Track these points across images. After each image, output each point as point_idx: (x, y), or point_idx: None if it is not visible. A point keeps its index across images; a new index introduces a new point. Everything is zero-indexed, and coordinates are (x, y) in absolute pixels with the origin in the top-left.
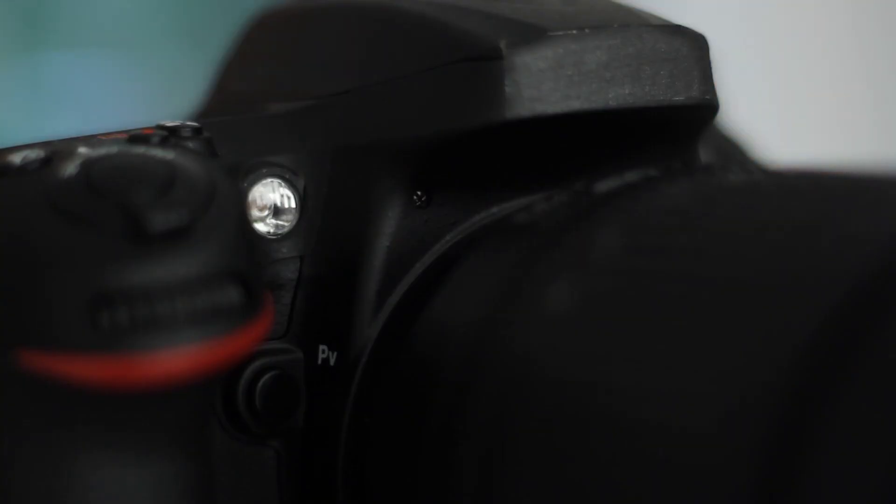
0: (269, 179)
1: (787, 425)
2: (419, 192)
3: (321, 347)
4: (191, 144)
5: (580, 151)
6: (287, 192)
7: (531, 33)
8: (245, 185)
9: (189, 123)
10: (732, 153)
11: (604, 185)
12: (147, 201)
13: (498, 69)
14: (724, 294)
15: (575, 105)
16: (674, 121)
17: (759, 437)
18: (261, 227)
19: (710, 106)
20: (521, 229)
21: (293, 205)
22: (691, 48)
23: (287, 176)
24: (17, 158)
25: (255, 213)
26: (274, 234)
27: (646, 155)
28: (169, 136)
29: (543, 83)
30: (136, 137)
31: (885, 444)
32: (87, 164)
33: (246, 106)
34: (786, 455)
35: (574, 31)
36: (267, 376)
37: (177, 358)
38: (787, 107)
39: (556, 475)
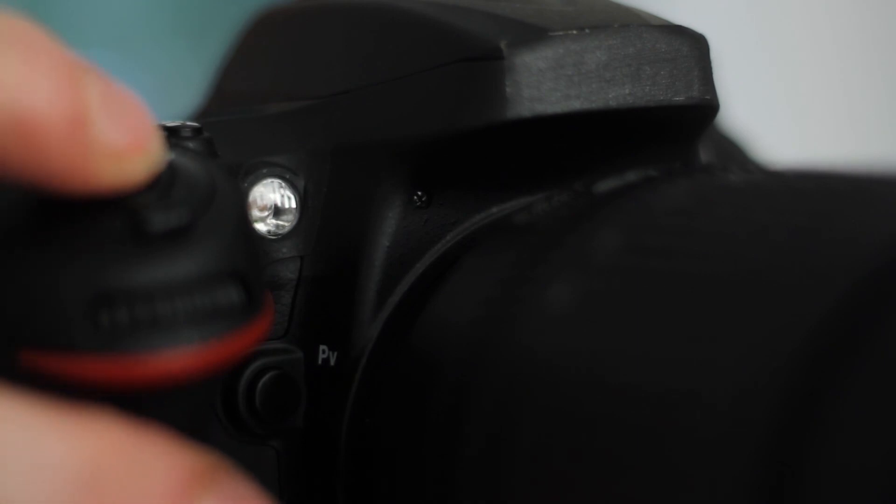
0: (270, 179)
1: (790, 419)
2: (419, 192)
3: (321, 347)
4: (191, 144)
5: (580, 151)
6: (287, 192)
7: (531, 33)
8: (245, 185)
9: (189, 123)
10: (732, 153)
11: (604, 185)
12: (147, 201)
13: (498, 69)
14: (726, 291)
15: (575, 105)
16: (674, 121)
17: (760, 439)
18: (261, 227)
19: (710, 106)
20: (521, 229)
21: (293, 205)
22: (691, 48)
23: (287, 176)
24: None
25: (255, 213)
26: (274, 234)
27: (646, 155)
28: (169, 136)
29: (543, 83)
30: None
31: (884, 429)
32: None
33: (246, 106)
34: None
35: (574, 31)
36: (267, 376)
37: (177, 358)
38: (787, 107)
39: (559, 473)
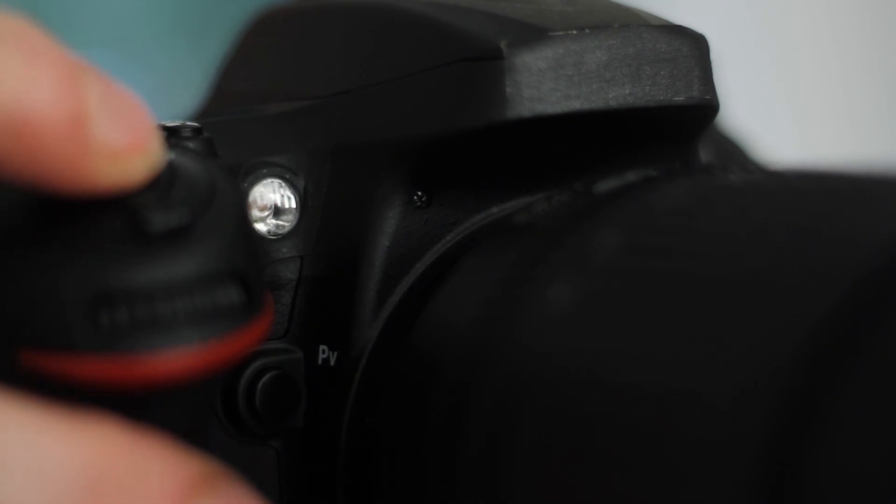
0: (270, 179)
1: (790, 419)
2: (419, 192)
3: (321, 347)
4: (191, 144)
5: (580, 151)
6: (287, 192)
7: (531, 33)
8: (245, 185)
9: (189, 123)
10: (732, 153)
11: (604, 186)
12: (147, 201)
13: (498, 69)
14: (726, 291)
15: (575, 105)
16: (674, 121)
17: (760, 439)
18: (261, 227)
19: (710, 106)
20: (521, 229)
21: (293, 205)
22: (691, 48)
23: (287, 176)
24: None
25: (255, 213)
26: (274, 234)
27: (646, 155)
28: (169, 136)
29: (543, 83)
30: None
31: (884, 429)
32: None
33: (246, 106)
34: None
35: (574, 32)
36: (267, 376)
37: (177, 358)
38: (787, 107)
39: (559, 473)
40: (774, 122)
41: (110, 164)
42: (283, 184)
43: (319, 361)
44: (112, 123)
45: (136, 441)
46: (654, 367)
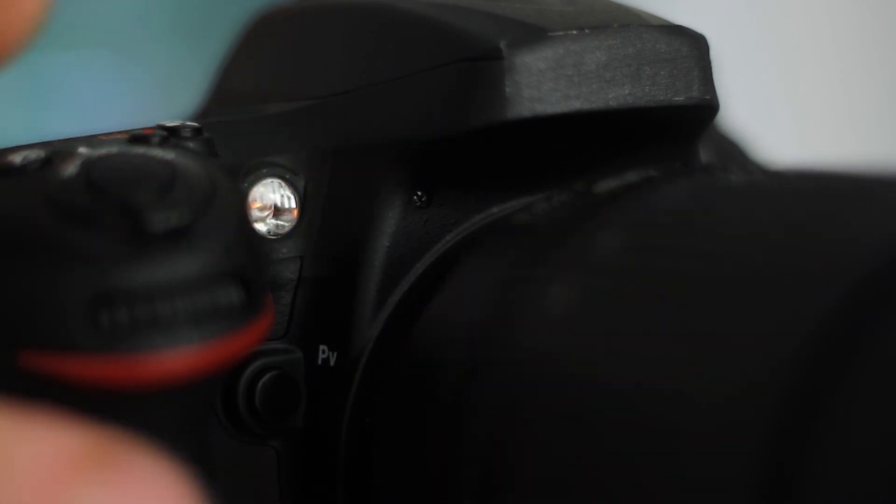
0: (270, 179)
1: (790, 419)
2: (419, 193)
3: (321, 347)
4: (191, 144)
5: (580, 151)
6: (287, 192)
7: (531, 33)
8: (245, 185)
9: (189, 123)
10: (732, 153)
11: (604, 186)
12: (147, 201)
13: (498, 69)
14: (726, 291)
15: (575, 105)
16: (674, 121)
17: (760, 439)
18: (261, 227)
19: (710, 106)
20: (521, 229)
21: (293, 205)
22: (691, 48)
23: (287, 176)
24: (17, 158)
25: (255, 213)
26: (274, 234)
27: (646, 155)
28: (169, 136)
29: (543, 83)
30: (137, 137)
31: (885, 429)
32: (88, 164)
33: (246, 106)
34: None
35: (574, 32)
36: (267, 376)
37: (177, 358)
38: (787, 107)
39: (558, 472)
40: (774, 122)
41: None
42: (283, 184)
43: (319, 361)
44: None
45: (8, 417)
46: (653, 367)
